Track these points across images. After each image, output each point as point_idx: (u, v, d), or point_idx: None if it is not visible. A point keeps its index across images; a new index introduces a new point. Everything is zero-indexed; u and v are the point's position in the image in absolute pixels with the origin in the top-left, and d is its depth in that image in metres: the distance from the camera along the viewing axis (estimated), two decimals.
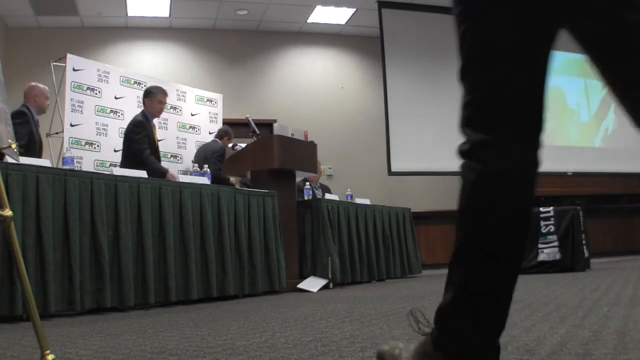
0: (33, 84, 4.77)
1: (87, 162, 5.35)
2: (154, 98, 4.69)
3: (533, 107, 1.04)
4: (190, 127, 6.32)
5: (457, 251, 1.06)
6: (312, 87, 8.10)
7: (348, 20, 8.06)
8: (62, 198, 2.89)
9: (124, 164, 4.46)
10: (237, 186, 5.04)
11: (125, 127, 4.83)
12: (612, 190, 9.19)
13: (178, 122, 6.28)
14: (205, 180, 3.95)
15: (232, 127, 5.97)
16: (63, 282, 2.82)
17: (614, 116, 8.96)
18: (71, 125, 5.32)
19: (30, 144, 4.34)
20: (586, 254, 5.07)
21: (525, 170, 1.04)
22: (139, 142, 4.48)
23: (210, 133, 6.56)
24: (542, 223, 5.06)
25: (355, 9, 7.76)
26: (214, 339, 1.85)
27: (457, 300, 1.07)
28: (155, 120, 6.12)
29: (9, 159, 2.72)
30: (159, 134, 6.06)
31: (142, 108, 4.83)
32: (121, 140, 5.70)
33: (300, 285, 4.21)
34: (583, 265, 4.94)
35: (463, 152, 1.05)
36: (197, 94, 6.57)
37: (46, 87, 4.88)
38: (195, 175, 4.09)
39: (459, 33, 1.04)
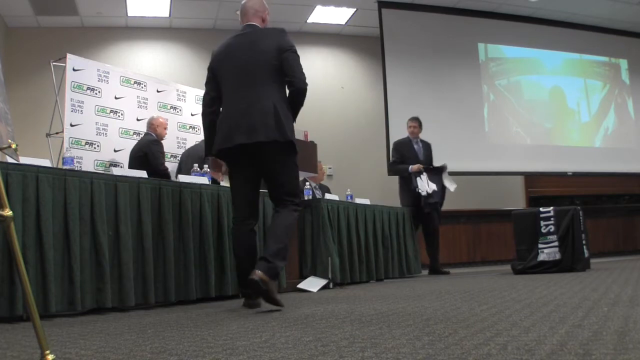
0: (155, 115, 5.67)
1: (87, 162, 5.35)
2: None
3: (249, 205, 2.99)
4: (190, 127, 6.32)
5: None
6: (312, 87, 7.93)
7: (348, 20, 8.07)
8: (62, 198, 2.89)
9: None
10: None
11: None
12: (612, 190, 9.20)
13: (178, 122, 6.28)
14: (205, 180, 3.95)
15: None
16: (63, 282, 2.82)
17: (614, 116, 8.97)
18: (71, 125, 5.32)
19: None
20: (586, 254, 5.07)
21: (244, 232, 2.95)
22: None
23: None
24: (542, 223, 5.05)
25: (355, 9, 7.76)
26: (214, 339, 1.85)
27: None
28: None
29: (9, 159, 2.72)
30: None
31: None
32: (121, 140, 5.74)
33: (300, 285, 4.21)
34: (583, 265, 4.94)
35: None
36: (197, 94, 6.57)
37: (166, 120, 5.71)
38: (195, 175, 4.09)
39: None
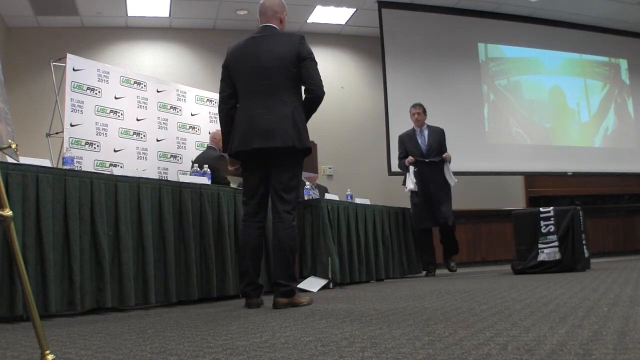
0: (215, 130, 5.64)
1: (87, 162, 5.34)
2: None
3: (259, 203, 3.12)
4: (190, 127, 6.32)
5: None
6: None
7: (348, 20, 8.06)
8: (62, 198, 2.89)
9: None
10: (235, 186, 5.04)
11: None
12: (612, 190, 9.20)
13: (178, 122, 6.28)
14: (205, 180, 3.94)
15: None
16: (63, 282, 2.82)
17: (614, 116, 8.96)
18: (71, 125, 5.31)
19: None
20: (586, 254, 5.06)
21: (253, 232, 3.10)
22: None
23: (209, 133, 6.55)
24: (542, 223, 5.05)
25: (355, 9, 7.76)
26: (214, 339, 1.85)
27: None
28: (155, 120, 6.17)
29: (9, 159, 2.72)
30: (158, 133, 6.08)
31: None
32: (120, 140, 5.74)
33: (300, 285, 4.20)
34: (583, 265, 4.93)
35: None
36: (197, 94, 6.57)
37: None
38: (195, 175, 4.09)
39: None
